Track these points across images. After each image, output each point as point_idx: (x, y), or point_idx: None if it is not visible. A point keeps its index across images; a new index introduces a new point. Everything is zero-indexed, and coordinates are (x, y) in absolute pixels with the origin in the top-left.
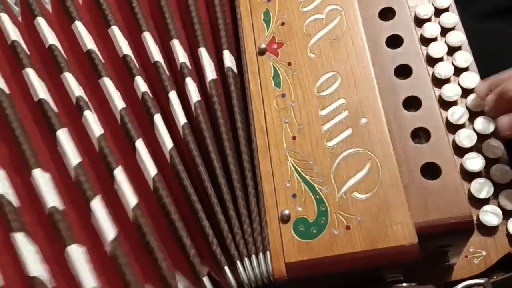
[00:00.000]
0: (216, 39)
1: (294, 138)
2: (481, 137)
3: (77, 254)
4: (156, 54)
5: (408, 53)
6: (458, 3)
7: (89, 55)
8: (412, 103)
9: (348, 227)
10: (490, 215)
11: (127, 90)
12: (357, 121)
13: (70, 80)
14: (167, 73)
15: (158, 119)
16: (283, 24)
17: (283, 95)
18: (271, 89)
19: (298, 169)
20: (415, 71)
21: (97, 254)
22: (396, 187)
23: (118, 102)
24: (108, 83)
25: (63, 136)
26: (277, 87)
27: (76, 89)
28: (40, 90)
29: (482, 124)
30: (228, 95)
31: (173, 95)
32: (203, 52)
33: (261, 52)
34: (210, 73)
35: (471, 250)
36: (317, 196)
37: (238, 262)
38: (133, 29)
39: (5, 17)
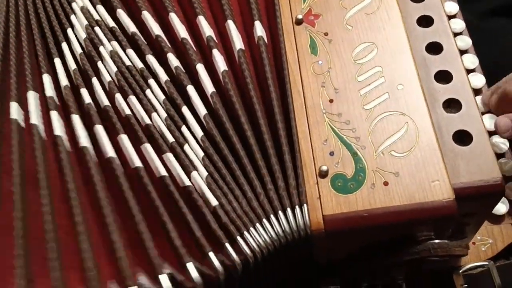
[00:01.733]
0: (245, 14)
1: (331, 101)
2: (488, 133)
3: None
4: (182, 32)
5: (439, 32)
6: (460, 1)
7: (133, 37)
8: (444, 77)
9: (386, 183)
10: (498, 204)
11: (165, 65)
12: (394, 87)
13: (133, 54)
14: (194, 48)
15: (191, 90)
16: None
17: (320, 62)
18: (308, 56)
19: (335, 129)
20: (445, 48)
21: None
22: (433, 147)
23: (162, 75)
24: (152, 60)
25: None
26: (314, 55)
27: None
28: None
29: (489, 120)
30: (259, 63)
31: (200, 67)
32: (231, 25)
33: (298, 22)
34: (238, 43)
35: (478, 237)
36: (355, 154)
37: (272, 216)
38: (161, 10)
39: None
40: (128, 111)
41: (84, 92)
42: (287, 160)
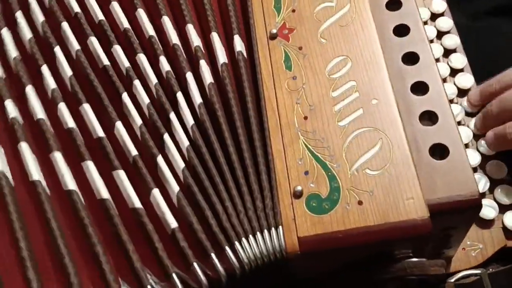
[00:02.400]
0: (226, 26)
1: (305, 118)
2: (477, 135)
3: None
4: (174, 37)
5: (415, 41)
6: (453, 2)
7: (126, 33)
8: (420, 88)
9: (360, 202)
10: (487, 209)
11: (154, 68)
12: (368, 102)
13: (119, 51)
14: (184, 55)
15: (180, 97)
16: (293, 11)
17: (294, 78)
18: (282, 72)
19: (310, 147)
20: (422, 57)
21: None
22: (407, 164)
23: (152, 78)
24: (143, 60)
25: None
26: (288, 70)
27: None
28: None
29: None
30: (239, 78)
31: (189, 76)
32: (215, 37)
33: (272, 37)
34: (222, 57)
35: (468, 242)
36: (329, 173)
37: (251, 236)
38: (154, 12)
39: None
40: (71, 124)
41: (8, 103)
42: (264, 180)
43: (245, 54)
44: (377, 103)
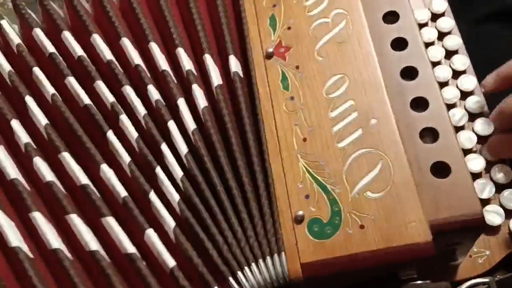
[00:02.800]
0: (220, 46)
1: (304, 139)
2: (481, 138)
3: None
4: (163, 63)
5: (414, 55)
6: (454, 7)
7: (110, 65)
8: (420, 104)
9: (362, 226)
10: (493, 215)
11: (143, 98)
12: (367, 122)
13: (102, 86)
14: (175, 81)
15: (172, 125)
16: (289, 28)
17: (292, 98)
18: (280, 92)
19: (310, 170)
20: (421, 72)
21: None
22: (409, 185)
23: (140, 109)
24: (129, 91)
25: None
26: (286, 90)
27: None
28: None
29: (481, 125)
30: (235, 100)
31: (181, 102)
32: (208, 59)
33: (269, 56)
34: (216, 79)
35: (475, 249)
36: (330, 197)
37: (253, 264)
38: (140, 39)
39: None
40: (49, 178)
41: None
42: (265, 205)
43: (241, 74)
44: (376, 122)
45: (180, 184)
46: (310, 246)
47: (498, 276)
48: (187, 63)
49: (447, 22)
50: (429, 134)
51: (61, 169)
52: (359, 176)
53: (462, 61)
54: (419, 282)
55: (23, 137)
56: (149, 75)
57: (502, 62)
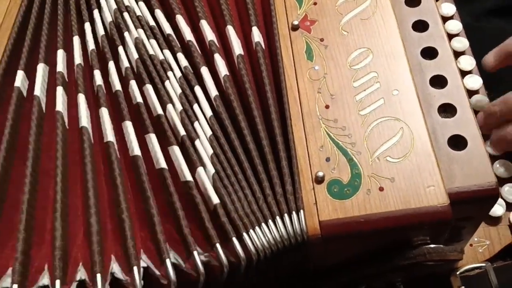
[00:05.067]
0: (243, 19)
1: (327, 107)
2: (484, 135)
3: None
4: (188, 34)
5: (434, 36)
6: (457, 2)
7: (152, 30)
8: (438, 81)
9: (381, 188)
10: (495, 206)
11: (177, 63)
12: (389, 93)
13: (154, 45)
14: (199, 51)
15: (198, 90)
16: (315, 3)
17: (316, 68)
18: (304, 62)
19: (331, 135)
20: (440, 53)
21: None
22: (428, 153)
23: (177, 71)
24: (167, 54)
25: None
26: (310, 60)
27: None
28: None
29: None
30: (257, 69)
31: (204, 70)
32: (230, 30)
33: (294, 28)
34: (237, 49)
35: (476, 239)
36: (351, 160)
37: (270, 221)
38: (169, 12)
39: None
40: (139, 99)
41: (97, 73)
42: (285, 166)
43: (263, 45)
44: (398, 94)
45: (209, 142)
46: (329, 205)
47: (495, 265)
48: (209, 34)
49: (456, 25)
50: (447, 110)
51: (144, 97)
52: (379, 142)
53: (468, 62)
54: (433, 245)
55: (125, 62)
56: (179, 44)
57: None
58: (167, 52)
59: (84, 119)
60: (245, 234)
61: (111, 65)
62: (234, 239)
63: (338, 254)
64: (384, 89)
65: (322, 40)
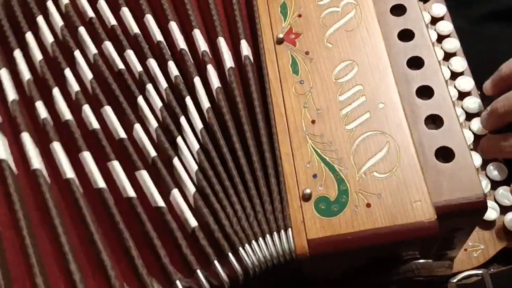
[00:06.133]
0: (233, 31)
1: (313, 121)
2: (478, 137)
3: None
4: (181, 42)
5: (420, 46)
6: (453, 7)
7: (136, 38)
8: (425, 92)
9: (368, 205)
10: (489, 210)
11: (163, 73)
12: (375, 106)
13: (132, 55)
14: (191, 60)
15: (189, 101)
16: (299, 16)
17: (302, 82)
18: (289, 76)
19: (318, 150)
20: (426, 62)
21: None
22: (414, 167)
23: (162, 82)
24: (154, 64)
25: None
26: (295, 74)
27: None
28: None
29: (478, 125)
30: (246, 82)
31: (197, 81)
32: (221, 42)
33: (279, 42)
34: (229, 61)
35: (470, 243)
36: (338, 176)
37: (261, 239)
38: (161, 18)
39: None
40: (96, 125)
41: (39, 105)
42: (273, 183)
43: (251, 58)
44: (384, 107)
45: (196, 157)
46: (317, 223)
47: (492, 270)
48: (202, 44)
49: (446, 26)
50: (434, 121)
51: (102, 122)
52: (366, 157)
53: (460, 63)
54: (421, 260)
55: (75, 86)
56: (169, 52)
57: (503, 61)
58: (152, 62)
59: (35, 160)
60: (230, 255)
61: (56, 92)
62: (216, 262)
63: (328, 268)
64: (369, 102)
65: (307, 53)
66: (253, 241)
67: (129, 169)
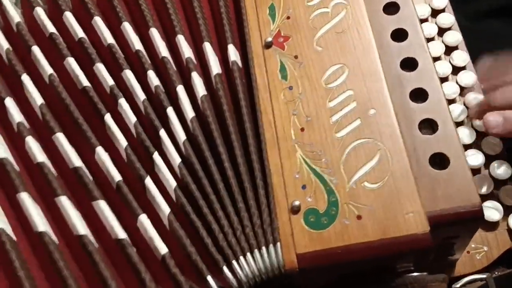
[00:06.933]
0: (220, 35)
1: (302, 129)
2: (480, 134)
3: None
4: (163, 50)
5: (413, 46)
6: (453, 3)
7: (110, 49)
8: (419, 95)
9: (359, 217)
10: (492, 211)
11: (142, 83)
12: (366, 112)
13: (102, 69)
14: (174, 68)
15: (171, 112)
16: (288, 18)
17: (291, 88)
18: (278, 82)
19: (307, 160)
20: (421, 64)
21: None
22: (406, 176)
23: (140, 94)
24: (130, 75)
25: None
26: (284, 80)
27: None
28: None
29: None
30: (234, 89)
31: (180, 89)
32: (207, 47)
33: (267, 46)
34: (215, 67)
35: (473, 245)
36: (327, 187)
37: (248, 254)
38: (141, 25)
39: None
40: (40, 158)
41: None
42: (262, 195)
43: (240, 64)
44: (375, 113)
45: (178, 171)
46: (306, 237)
47: (496, 273)
48: (186, 51)
49: (448, 18)
50: (428, 126)
51: (54, 150)
52: (356, 166)
53: (462, 57)
54: (415, 274)
55: (16, 116)
56: (149, 61)
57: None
58: (128, 73)
59: None
60: (209, 278)
61: None
62: None
63: (319, 279)
64: (360, 108)
65: (296, 57)
66: (241, 257)
67: (86, 200)
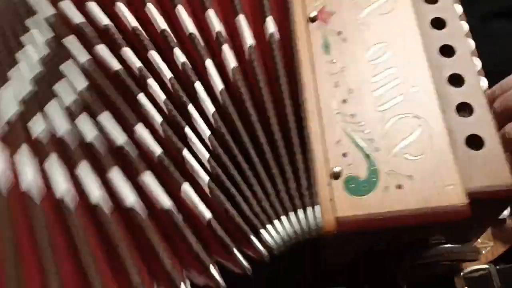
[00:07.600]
0: (255, 8)
1: (344, 101)
2: None
3: None
4: (190, 27)
5: (452, 34)
6: (462, 3)
7: (134, 32)
8: (456, 80)
9: (399, 186)
10: None
11: (169, 62)
12: (408, 89)
13: (129, 53)
14: (202, 43)
15: (198, 86)
16: None
17: (333, 61)
18: (321, 56)
19: (349, 130)
20: (458, 50)
21: None
22: (446, 151)
23: (166, 72)
24: (155, 56)
25: None
26: (327, 54)
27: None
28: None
29: None
30: (270, 60)
31: (209, 63)
32: (241, 20)
33: (311, 20)
34: (249, 39)
35: (479, 240)
36: (368, 156)
37: (284, 217)
38: (166, 3)
39: None
40: (90, 137)
41: (38, 118)
42: (299, 160)
43: (278, 36)
44: (417, 90)
45: (209, 143)
46: (346, 202)
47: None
48: (217, 25)
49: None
50: (465, 109)
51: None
52: (398, 138)
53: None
54: (447, 245)
55: (67, 99)
56: (175, 39)
57: (510, 62)
58: (154, 54)
59: (28, 176)
60: (252, 237)
61: (48, 107)
62: (235, 250)
63: (349, 251)
64: (403, 85)
65: (340, 33)
66: (276, 220)
67: (133, 175)
